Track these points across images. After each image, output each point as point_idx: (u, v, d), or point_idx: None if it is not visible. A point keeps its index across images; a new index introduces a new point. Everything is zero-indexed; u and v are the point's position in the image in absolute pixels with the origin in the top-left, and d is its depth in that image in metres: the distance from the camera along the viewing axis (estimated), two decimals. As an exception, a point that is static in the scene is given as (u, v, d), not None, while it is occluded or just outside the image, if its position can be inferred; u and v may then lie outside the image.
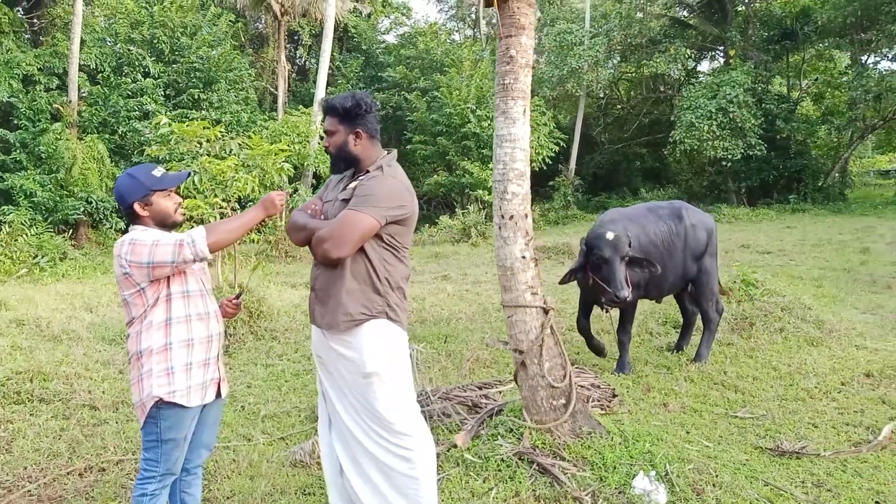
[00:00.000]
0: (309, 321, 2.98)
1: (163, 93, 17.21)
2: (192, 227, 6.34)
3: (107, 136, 15.88)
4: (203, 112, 17.26)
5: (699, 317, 5.84)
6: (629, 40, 23.25)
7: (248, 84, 20.19)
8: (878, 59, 23.37)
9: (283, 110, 23.35)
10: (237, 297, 2.92)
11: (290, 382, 5.46)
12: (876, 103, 21.59)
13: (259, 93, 23.29)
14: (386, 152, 2.93)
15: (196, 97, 17.61)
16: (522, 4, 3.66)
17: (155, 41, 17.20)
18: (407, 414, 2.80)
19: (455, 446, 3.69)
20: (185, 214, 2.83)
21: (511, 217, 3.67)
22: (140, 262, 2.45)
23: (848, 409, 4.43)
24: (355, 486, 2.88)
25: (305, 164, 15.42)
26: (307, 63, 29.58)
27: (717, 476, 3.40)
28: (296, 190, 14.44)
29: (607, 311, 5.56)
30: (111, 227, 15.47)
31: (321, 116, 18.84)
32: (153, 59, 17.03)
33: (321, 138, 15.92)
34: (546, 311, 3.71)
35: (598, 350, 5.83)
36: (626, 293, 4.75)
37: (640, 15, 23.03)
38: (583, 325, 5.76)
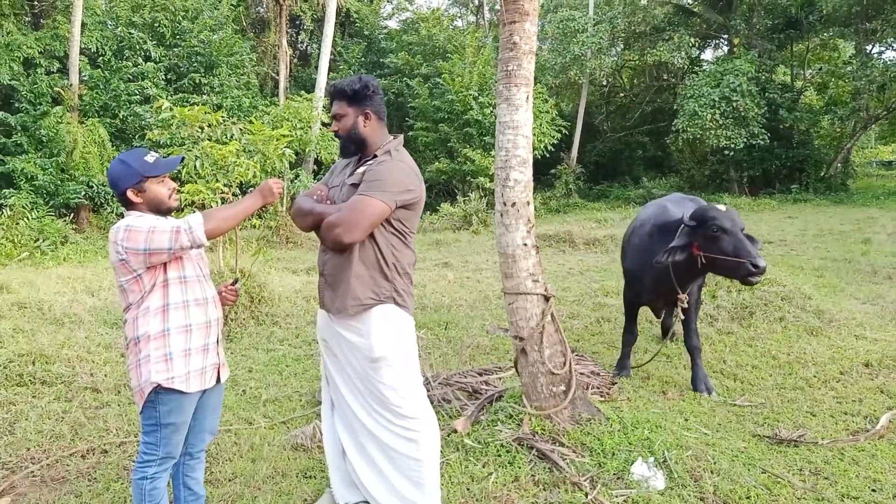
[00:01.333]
0: (309, 306, 3.01)
1: (164, 77, 17.15)
2: (193, 212, 6.34)
3: (108, 119, 15.84)
4: (204, 97, 17.22)
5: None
6: (633, 28, 23.11)
7: (249, 69, 20.10)
8: (882, 48, 23.22)
9: (284, 95, 23.26)
10: (233, 283, 2.91)
11: (290, 367, 5.49)
12: (880, 93, 21.50)
13: (260, 78, 23.19)
14: (392, 137, 2.93)
15: (197, 81, 17.55)
16: (526, -10, 3.64)
17: (156, 25, 17.13)
18: (414, 397, 2.83)
19: (455, 431, 3.72)
20: (179, 200, 2.79)
21: (513, 204, 3.67)
22: (136, 248, 2.43)
23: (846, 399, 4.45)
24: (357, 469, 2.92)
25: (307, 149, 15.39)
26: (309, 48, 29.44)
27: (715, 463, 3.43)
28: (297, 176, 14.42)
29: (672, 317, 5.06)
30: (112, 212, 15.46)
31: (327, 101, 18.79)
32: (154, 42, 16.94)
33: (323, 125, 15.98)
34: (547, 299, 3.72)
35: (623, 366, 5.07)
36: (764, 262, 4.08)
37: (644, 2, 22.91)
38: (630, 338, 5.08)
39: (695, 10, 24.54)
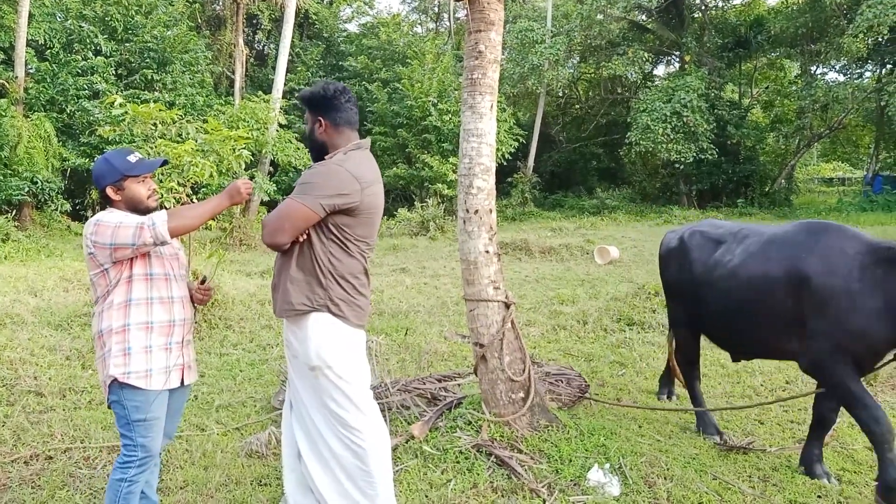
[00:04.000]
0: (264, 310, 3.01)
1: (114, 72, 16.70)
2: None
3: (54, 114, 15.31)
4: (156, 94, 16.82)
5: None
6: (589, 41, 23.59)
7: (203, 67, 19.72)
8: (826, 70, 24.24)
9: (240, 95, 22.89)
10: (202, 281, 2.87)
11: (244, 372, 5.39)
12: (823, 113, 22.44)
13: (215, 77, 22.77)
14: (354, 145, 2.89)
15: (149, 78, 17.13)
16: (492, 0, 3.67)
17: (108, 18, 16.66)
18: (357, 409, 2.76)
19: (412, 437, 3.71)
20: (158, 201, 2.76)
21: (476, 211, 3.69)
22: (103, 242, 2.47)
23: (792, 407, 4.60)
24: (312, 473, 2.87)
25: (263, 151, 15.17)
26: (266, 48, 29.04)
27: (668, 469, 3.50)
28: (252, 177, 14.20)
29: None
30: (56, 209, 14.96)
31: (284, 103, 18.55)
32: (105, 36, 16.49)
33: (280, 126, 15.77)
34: (507, 306, 3.75)
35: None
36: None
37: (600, 17, 23.34)
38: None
39: (648, 26, 25.19)
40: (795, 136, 23.96)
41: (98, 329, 2.58)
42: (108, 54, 16.39)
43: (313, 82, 24.14)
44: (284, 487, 3.07)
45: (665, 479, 3.42)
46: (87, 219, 16.01)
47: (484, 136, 3.69)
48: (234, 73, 23.64)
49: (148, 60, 17.20)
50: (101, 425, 4.23)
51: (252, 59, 26.73)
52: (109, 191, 2.61)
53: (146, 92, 16.72)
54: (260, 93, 16.52)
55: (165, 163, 2.93)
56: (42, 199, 14.76)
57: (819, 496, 3.32)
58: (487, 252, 3.71)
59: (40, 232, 14.37)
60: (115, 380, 2.52)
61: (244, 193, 2.63)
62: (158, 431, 2.65)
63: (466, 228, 3.71)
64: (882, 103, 20.78)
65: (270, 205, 20.15)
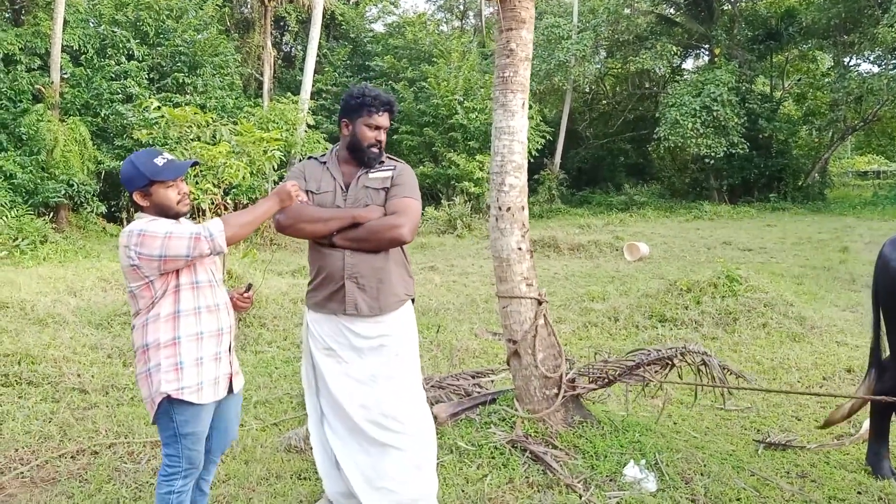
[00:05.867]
0: (297, 308, 3.07)
1: (147, 76, 16.99)
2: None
3: (89, 118, 15.65)
4: (188, 97, 17.08)
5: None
6: (616, 36, 23.40)
7: (233, 69, 19.99)
8: (859, 61, 23.73)
9: (268, 97, 23.15)
10: (247, 290, 2.82)
11: (280, 369, 5.47)
12: (857, 105, 21.96)
13: (244, 79, 23.05)
14: None
15: (181, 81, 17.40)
16: (524, -2, 3.69)
17: (139, 23, 16.97)
18: (419, 392, 3.01)
19: (435, 417, 3.73)
20: (190, 205, 2.72)
21: (508, 209, 3.71)
22: (151, 254, 2.34)
23: (830, 404, 4.54)
24: (353, 480, 2.91)
25: (292, 151, 15.33)
26: (293, 50, 29.33)
27: (705, 465, 3.49)
28: (282, 178, 14.35)
29: None
30: (92, 211, 15.29)
31: (313, 104, 18.70)
32: (137, 41, 16.80)
33: (309, 127, 15.93)
34: (540, 303, 3.76)
35: None
36: None
37: (627, 11, 23.17)
38: None
39: (677, 19, 24.89)
40: (829, 129, 23.52)
41: (143, 343, 2.45)
42: (141, 59, 16.71)
43: (340, 83, 24.40)
44: (326, 491, 3.12)
45: (702, 475, 3.40)
46: (121, 221, 16.24)
47: (515, 133, 3.70)
48: (262, 75, 23.91)
49: (179, 64, 17.49)
50: (144, 421, 4.33)
51: (280, 61, 27.02)
52: (137, 196, 2.48)
53: (178, 95, 16.99)
54: (289, 94, 16.68)
55: (195, 164, 2.82)
56: (78, 202, 15.11)
57: (859, 492, 3.28)
58: (520, 249, 3.72)
59: (77, 234, 14.71)
60: (168, 396, 2.42)
61: (293, 195, 2.59)
62: (203, 444, 2.60)
63: (499, 226, 3.73)
64: (919, 94, 20.27)
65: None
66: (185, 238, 2.37)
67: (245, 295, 2.79)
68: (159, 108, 6.58)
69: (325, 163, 2.97)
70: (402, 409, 2.87)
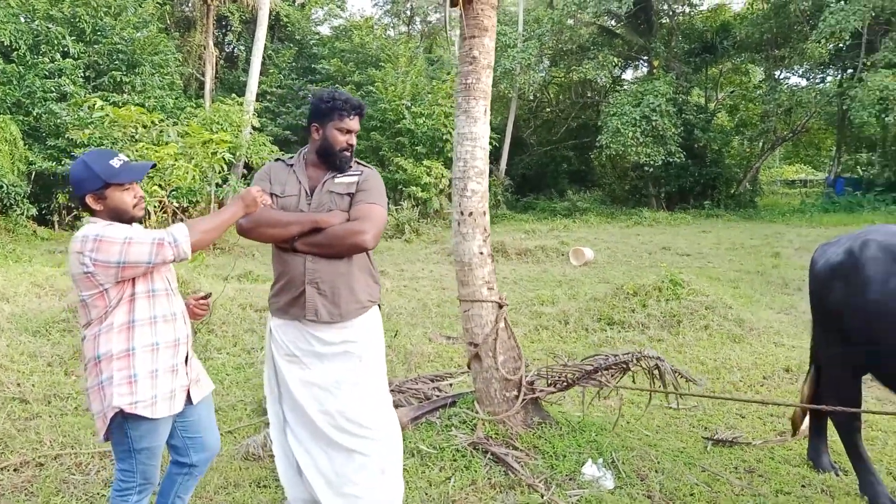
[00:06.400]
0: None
1: (82, 74, 16.39)
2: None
3: (20, 117, 14.98)
4: (125, 96, 16.57)
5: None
6: (560, 46, 23.90)
7: (173, 69, 19.50)
8: (789, 74, 24.97)
9: (210, 97, 22.67)
10: (205, 297, 2.74)
11: (231, 376, 5.37)
12: (786, 116, 23.08)
13: (184, 78, 22.52)
14: None
15: (118, 80, 16.88)
16: (486, 7, 3.76)
17: (76, 20, 16.37)
18: (384, 397, 2.97)
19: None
20: (144, 209, 2.53)
21: (470, 213, 3.76)
22: (108, 261, 2.22)
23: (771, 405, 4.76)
24: (315, 486, 2.87)
25: (237, 154, 15.05)
26: (235, 50, 28.79)
27: (658, 462, 3.61)
28: (225, 180, 14.06)
29: None
30: (22, 214, 14.61)
31: (259, 106, 18.38)
32: (73, 38, 16.19)
33: (254, 129, 15.69)
34: (500, 306, 3.82)
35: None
36: None
37: (570, 22, 23.67)
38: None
39: (618, 31, 25.60)
40: (759, 140, 24.64)
41: (94, 355, 2.31)
42: (77, 56, 16.10)
43: (286, 85, 24.09)
44: (288, 498, 3.09)
45: (656, 472, 3.52)
46: (53, 224, 15.57)
47: (478, 139, 3.77)
48: (203, 75, 23.41)
49: (117, 62, 16.94)
50: (91, 431, 4.18)
51: (222, 61, 26.48)
52: (90, 199, 2.32)
53: (115, 94, 16.44)
54: (234, 95, 16.37)
55: (154, 166, 2.71)
56: (7, 204, 14.41)
57: (803, 486, 3.45)
58: (481, 253, 3.78)
59: (6, 237, 14.01)
60: (121, 410, 2.30)
61: (259, 201, 2.54)
62: (159, 458, 2.50)
63: (461, 230, 3.78)
64: (843, 107, 21.46)
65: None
66: (146, 244, 2.26)
67: (202, 302, 2.71)
68: (103, 107, 6.36)
69: (291, 165, 2.94)
70: (367, 414, 2.85)
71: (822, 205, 22.53)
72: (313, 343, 2.83)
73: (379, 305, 3.01)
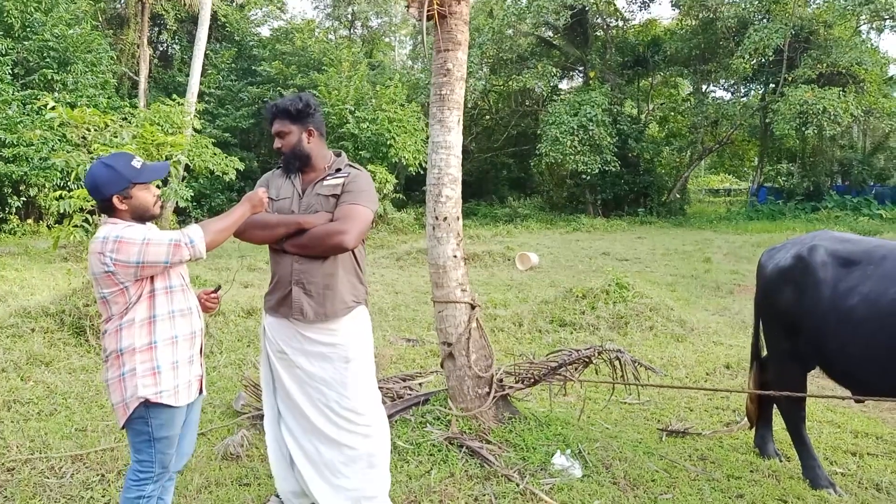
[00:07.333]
0: (272, 315, 3.04)
1: (10, 71, 15.73)
2: (84, 217, 5.98)
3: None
4: (56, 94, 15.97)
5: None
6: (500, 55, 24.40)
7: (106, 67, 18.90)
8: (715, 88, 26.28)
9: (144, 97, 22.06)
10: (215, 290, 2.87)
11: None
12: (713, 128, 24.26)
13: (117, 77, 21.82)
14: (333, 153, 3.11)
15: (49, 78, 16.27)
16: (459, 22, 3.95)
17: (3, 15, 15.72)
18: (374, 395, 3.07)
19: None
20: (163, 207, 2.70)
21: (445, 219, 3.94)
22: (128, 261, 2.34)
23: (715, 396, 5.12)
24: (307, 478, 3.00)
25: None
26: (170, 49, 28.08)
27: (621, 452, 3.87)
28: (166, 182, 13.73)
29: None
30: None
31: (200, 106, 18.00)
32: (1, 34, 15.50)
33: (195, 131, 15.37)
34: (473, 307, 4.01)
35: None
36: None
37: (510, 32, 24.21)
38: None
39: (555, 42, 26.35)
40: (688, 150, 25.83)
41: (117, 348, 2.43)
42: (4, 52, 15.44)
43: (225, 86, 23.64)
44: (277, 490, 3.19)
45: (619, 461, 3.78)
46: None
47: (452, 147, 3.94)
48: (137, 73, 22.77)
49: (48, 60, 16.34)
50: (59, 435, 4.15)
51: (156, 60, 25.80)
52: (116, 200, 2.44)
53: (45, 92, 15.81)
54: (174, 96, 16.00)
55: (169, 167, 2.85)
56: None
57: (751, 470, 3.78)
58: (455, 256, 3.96)
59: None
60: (146, 400, 2.43)
61: (265, 201, 2.70)
62: (175, 446, 2.61)
63: (436, 234, 3.95)
64: (766, 120, 22.78)
65: (180, 211, 19.51)
66: (163, 245, 2.38)
67: (213, 296, 2.84)
68: (55, 107, 6.23)
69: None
70: (357, 409, 2.97)
71: (746, 213, 23.80)
72: (302, 341, 2.95)
73: (366, 304, 3.10)
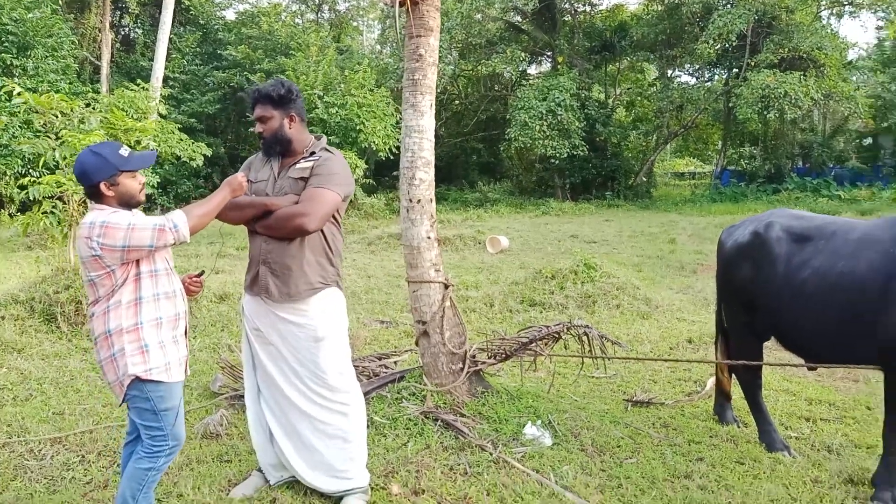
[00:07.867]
0: (248, 293, 3.13)
1: (-33, 56, 15.32)
2: (54, 204, 5.96)
3: None
4: (16, 79, 15.59)
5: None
6: (469, 39, 24.40)
7: (68, 52, 18.48)
8: (680, 73, 26.65)
9: (107, 82, 21.63)
10: (199, 274, 2.94)
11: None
12: (678, 113, 24.64)
13: (78, 62, 21.34)
14: (315, 137, 3.19)
15: (8, 63, 15.88)
16: (431, 8, 4.05)
17: (-41, -3, 15.25)
18: (349, 372, 3.16)
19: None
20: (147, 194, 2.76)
21: (418, 201, 4.05)
22: (114, 245, 2.42)
23: (678, 368, 5.35)
24: (286, 452, 3.13)
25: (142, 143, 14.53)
26: (132, 33, 27.49)
27: (588, 422, 4.06)
28: (133, 169, 13.59)
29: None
30: None
31: (165, 91, 17.72)
32: (-44, 16, 15.09)
33: (161, 116, 15.16)
34: (447, 287, 4.14)
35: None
36: None
37: (478, 16, 24.23)
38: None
39: (524, 27, 26.42)
40: (654, 134, 26.20)
41: (104, 329, 2.52)
42: (-40, 36, 15.02)
43: (189, 70, 23.28)
44: (259, 463, 3.30)
45: (587, 429, 3.96)
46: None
47: (425, 132, 4.05)
48: (99, 58, 22.31)
49: (6, 44, 15.93)
50: (37, 419, 4.20)
51: (118, 45, 25.27)
52: (103, 186, 2.50)
53: (4, 78, 15.45)
54: (139, 81, 15.75)
55: (157, 156, 2.94)
56: None
57: (711, 436, 3.99)
58: (429, 238, 4.08)
59: None
60: (137, 377, 2.51)
61: (244, 186, 2.79)
62: (182, 416, 2.69)
63: (410, 216, 4.06)
64: (729, 104, 23.24)
65: (146, 198, 19.26)
66: (147, 229, 2.47)
67: (197, 279, 2.92)
68: (21, 93, 6.16)
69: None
70: (330, 386, 3.06)
71: (710, 195, 24.29)
72: (275, 320, 3.05)
73: (339, 286, 3.13)
